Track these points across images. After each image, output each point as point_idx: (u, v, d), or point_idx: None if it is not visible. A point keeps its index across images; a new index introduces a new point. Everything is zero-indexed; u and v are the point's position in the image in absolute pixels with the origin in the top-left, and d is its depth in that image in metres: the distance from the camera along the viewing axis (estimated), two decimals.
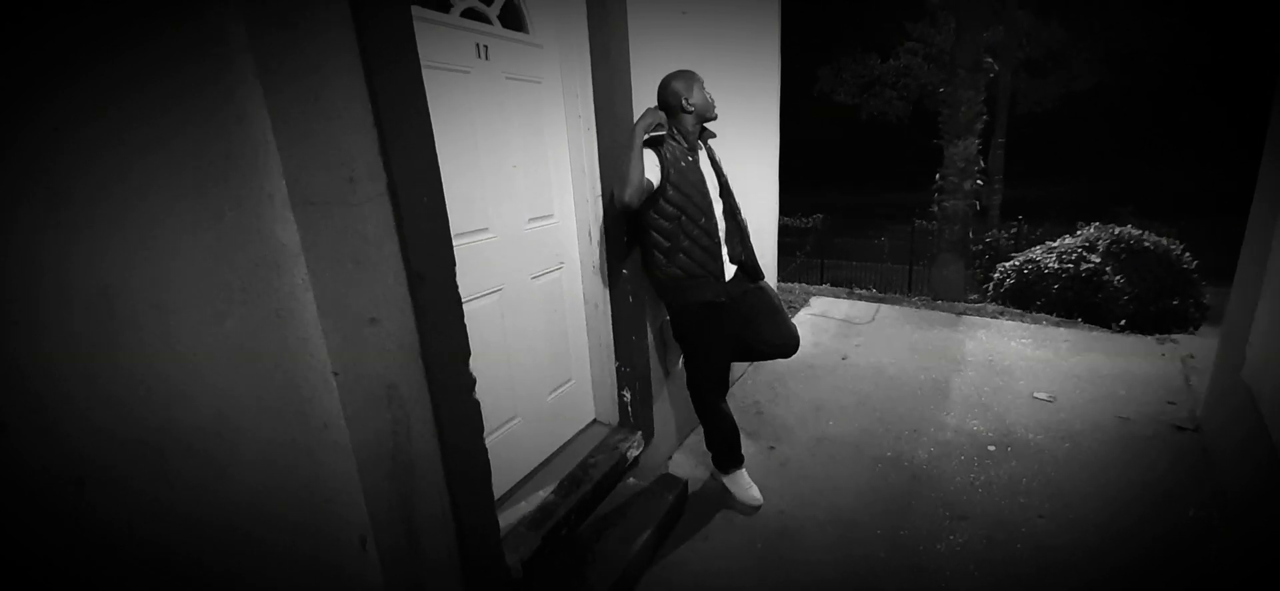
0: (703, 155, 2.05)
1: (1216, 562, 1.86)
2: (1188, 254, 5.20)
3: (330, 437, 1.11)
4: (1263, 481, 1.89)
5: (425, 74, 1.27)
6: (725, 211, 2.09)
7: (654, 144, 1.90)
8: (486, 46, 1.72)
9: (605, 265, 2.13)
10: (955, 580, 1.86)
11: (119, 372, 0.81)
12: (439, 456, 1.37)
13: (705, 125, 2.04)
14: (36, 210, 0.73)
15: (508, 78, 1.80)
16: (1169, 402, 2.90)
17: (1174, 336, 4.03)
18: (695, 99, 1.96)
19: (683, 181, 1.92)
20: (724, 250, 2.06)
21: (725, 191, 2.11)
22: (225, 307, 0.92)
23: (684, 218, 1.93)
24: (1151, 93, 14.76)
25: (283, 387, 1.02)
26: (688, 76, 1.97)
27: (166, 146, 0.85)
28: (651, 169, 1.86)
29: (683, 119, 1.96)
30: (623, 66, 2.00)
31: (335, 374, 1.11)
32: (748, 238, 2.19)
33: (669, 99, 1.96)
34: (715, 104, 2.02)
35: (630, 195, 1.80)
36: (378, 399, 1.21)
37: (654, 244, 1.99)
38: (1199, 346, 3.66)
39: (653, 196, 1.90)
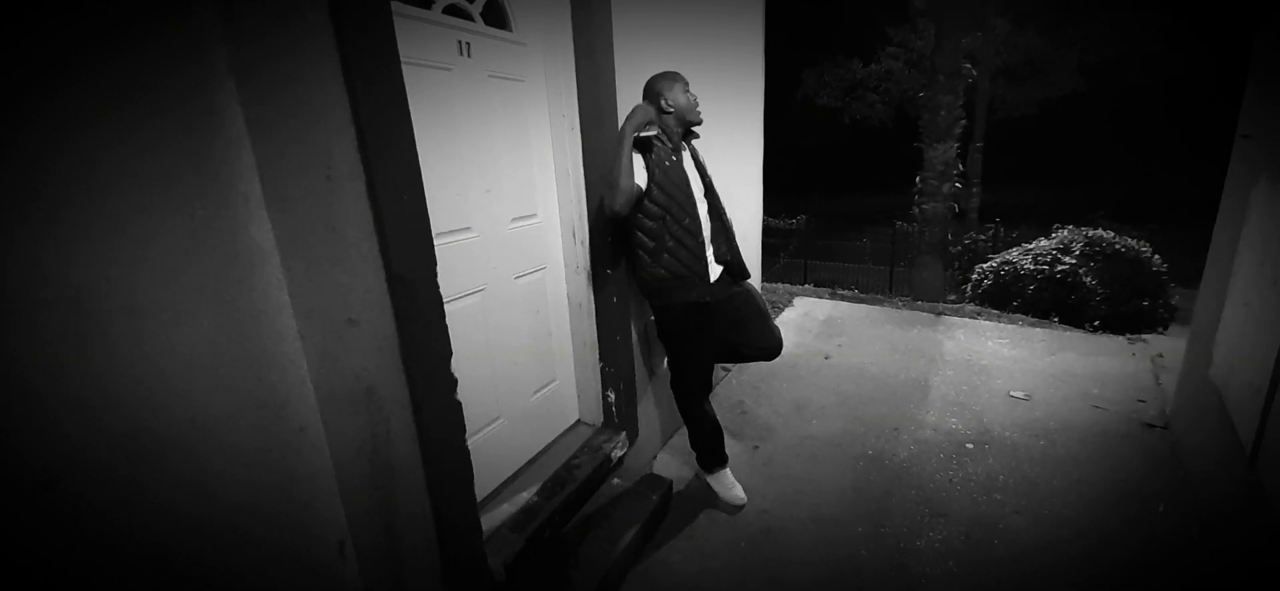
0: (686, 155, 2.06)
1: (1187, 556, 1.92)
2: (1158, 256, 5.35)
3: (307, 441, 1.09)
4: (1229, 476, 1.96)
5: (406, 71, 1.26)
6: (710, 211, 2.10)
7: (641, 146, 1.90)
8: (469, 44, 1.71)
9: (589, 265, 2.12)
10: (935, 577, 1.89)
11: (89, 375, 0.79)
12: (420, 459, 1.35)
13: (690, 126, 2.05)
14: (18, 211, 0.72)
15: (490, 76, 1.79)
16: (1139, 400, 2.98)
17: (1144, 336, 4.14)
18: (675, 100, 1.96)
19: (667, 181, 1.91)
20: (709, 250, 2.06)
21: (710, 191, 2.12)
22: (197, 309, 0.90)
23: (668, 218, 1.93)
24: (1127, 100, 15.17)
25: (258, 390, 0.99)
26: (670, 78, 1.97)
27: (147, 150, 0.82)
28: (639, 172, 1.86)
29: (664, 119, 1.96)
30: (607, 66, 2.00)
31: (312, 376, 1.09)
32: (733, 237, 2.20)
33: (651, 100, 1.96)
34: (699, 107, 2.02)
35: (620, 203, 1.79)
36: (357, 401, 1.19)
37: (638, 244, 1.98)
38: (1168, 346, 3.77)
39: (638, 197, 1.90)
